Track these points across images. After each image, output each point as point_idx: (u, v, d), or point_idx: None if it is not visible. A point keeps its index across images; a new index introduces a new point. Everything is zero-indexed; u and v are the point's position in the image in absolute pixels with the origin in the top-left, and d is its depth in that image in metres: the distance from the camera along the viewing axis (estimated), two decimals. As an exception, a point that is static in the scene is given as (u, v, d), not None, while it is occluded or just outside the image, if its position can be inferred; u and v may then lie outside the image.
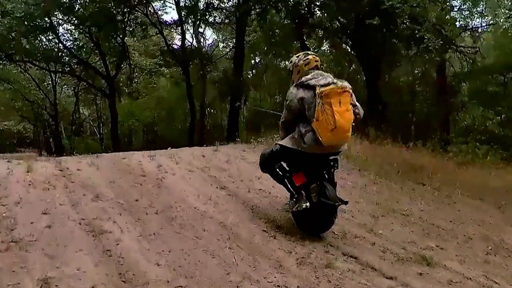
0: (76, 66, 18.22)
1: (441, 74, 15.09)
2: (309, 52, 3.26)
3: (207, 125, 22.02)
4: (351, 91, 2.98)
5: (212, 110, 25.34)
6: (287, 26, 13.26)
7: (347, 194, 4.40)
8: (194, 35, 18.30)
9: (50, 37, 17.73)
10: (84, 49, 17.87)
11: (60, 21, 16.21)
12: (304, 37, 11.89)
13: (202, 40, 20.46)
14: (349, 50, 12.87)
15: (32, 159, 4.10)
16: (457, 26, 8.37)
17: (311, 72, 3.01)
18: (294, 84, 3.07)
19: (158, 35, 20.34)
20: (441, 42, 7.67)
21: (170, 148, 5.97)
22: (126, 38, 16.71)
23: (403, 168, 5.92)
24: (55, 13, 14.70)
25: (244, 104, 19.30)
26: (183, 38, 15.57)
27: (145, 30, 16.69)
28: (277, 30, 16.57)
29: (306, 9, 10.08)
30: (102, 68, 17.69)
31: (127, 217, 3.00)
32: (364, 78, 11.90)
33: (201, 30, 18.95)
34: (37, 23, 15.23)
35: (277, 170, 3.21)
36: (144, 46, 21.43)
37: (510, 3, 8.00)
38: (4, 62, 16.37)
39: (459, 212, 4.59)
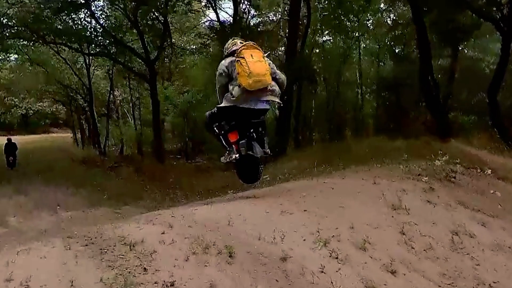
0: (111, 47, 16.25)
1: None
2: (236, 38, 3.80)
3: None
4: (264, 54, 3.42)
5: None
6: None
7: None
8: (243, 7, 15.78)
9: (82, 16, 15.86)
10: (119, 29, 15.86)
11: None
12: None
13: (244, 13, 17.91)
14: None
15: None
16: None
17: None
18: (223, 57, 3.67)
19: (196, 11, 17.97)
20: None
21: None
22: (168, 14, 14.52)
23: None
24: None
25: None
26: (236, 10, 13.21)
27: (189, 4, 14.47)
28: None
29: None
30: (140, 49, 15.65)
31: None
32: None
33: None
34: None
35: (215, 128, 3.69)
36: (178, 23, 19.00)
37: None
38: (36, 44, 14.79)
39: None
